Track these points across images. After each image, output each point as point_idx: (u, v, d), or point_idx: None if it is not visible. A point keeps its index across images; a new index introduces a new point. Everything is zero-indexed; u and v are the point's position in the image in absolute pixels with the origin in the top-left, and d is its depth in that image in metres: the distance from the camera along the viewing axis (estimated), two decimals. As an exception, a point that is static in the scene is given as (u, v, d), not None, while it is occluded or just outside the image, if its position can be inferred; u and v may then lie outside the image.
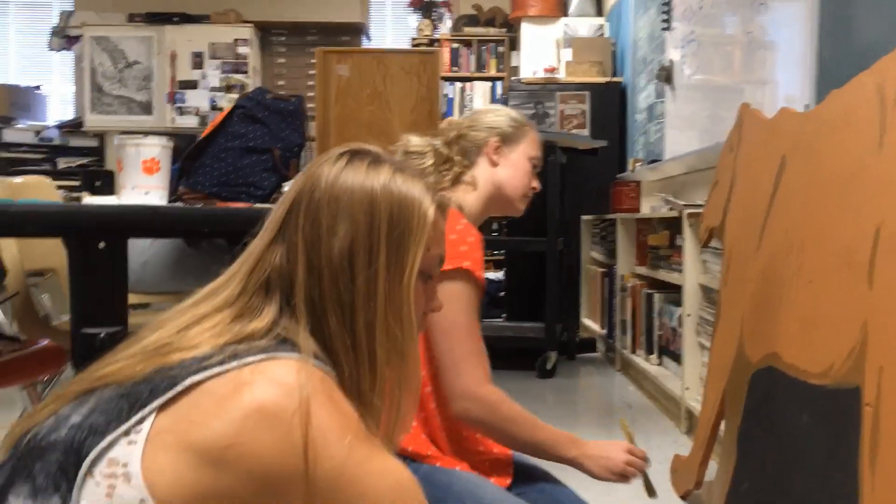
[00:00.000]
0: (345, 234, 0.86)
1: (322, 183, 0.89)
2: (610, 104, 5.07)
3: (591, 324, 4.82)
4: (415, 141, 1.68)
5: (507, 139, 1.69)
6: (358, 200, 0.88)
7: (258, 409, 0.75)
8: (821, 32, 2.23)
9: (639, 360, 3.60)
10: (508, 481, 1.57)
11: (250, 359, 0.79)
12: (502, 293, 4.84)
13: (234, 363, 0.79)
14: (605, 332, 4.43)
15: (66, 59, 6.53)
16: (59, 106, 6.71)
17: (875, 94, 1.27)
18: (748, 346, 1.74)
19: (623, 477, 1.51)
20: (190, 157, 2.33)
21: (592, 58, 5.23)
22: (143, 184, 1.30)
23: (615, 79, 5.18)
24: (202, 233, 1.22)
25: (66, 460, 0.76)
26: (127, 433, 0.76)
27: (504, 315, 4.73)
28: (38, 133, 6.18)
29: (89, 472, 0.75)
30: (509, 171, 1.69)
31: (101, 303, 1.22)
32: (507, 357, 3.57)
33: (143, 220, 1.20)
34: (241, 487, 0.75)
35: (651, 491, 1.63)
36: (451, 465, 1.50)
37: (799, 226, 1.53)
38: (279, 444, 0.75)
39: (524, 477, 1.63)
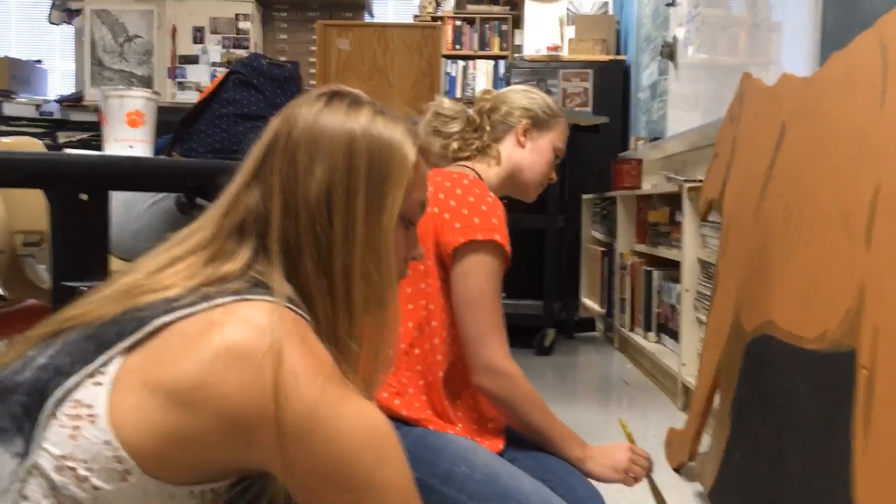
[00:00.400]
0: (322, 174, 0.84)
1: (300, 123, 0.87)
2: (613, 82, 5.03)
3: (592, 304, 4.79)
4: (447, 104, 1.68)
5: (539, 124, 1.69)
6: (337, 141, 0.85)
7: (228, 350, 0.73)
8: (825, 10, 2.19)
9: (637, 337, 3.58)
10: (501, 446, 1.56)
11: (221, 300, 0.77)
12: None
13: (205, 304, 0.77)
14: (604, 311, 4.41)
15: (67, 32, 6.49)
16: (59, 80, 6.68)
17: (877, 51, 1.24)
18: (744, 315, 1.72)
19: (627, 476, 1.50)
20: (184, 123, 2.30)
21: (596, 35, 5.18)
22: (127, 137, 1.27)
23: (619, 57, 5.13)
24: (187, 187, 1.19)
25: (30, 401, 0.74)
26: (92, 375, 0.74)
27: (504, 294, 4.70)
28: (38, 107, 6.15)
29: (53, 413, 0.73)
30: (533, 157, 1.70)
31: (82, 256, 1.19)
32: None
33: (124, 171, 1.17)
34: (209, 429, 0.73)
35: (660, 500, 1.60)
36: (444, 429, 1.48)
37: (797, 191, 1.50)
38: (249, 386, 0.73)
39: (517, 443, 1.62)
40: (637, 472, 1.52)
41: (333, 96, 0.90)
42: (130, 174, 1.20)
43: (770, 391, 1.48)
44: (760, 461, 1.47)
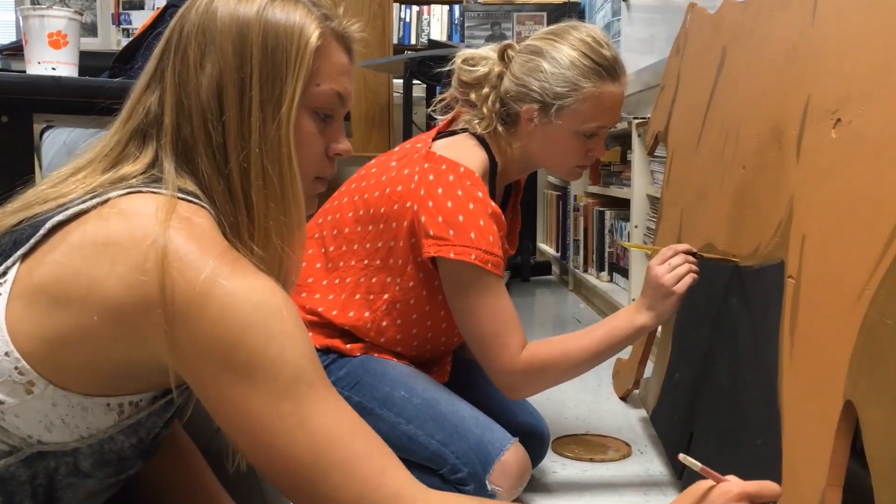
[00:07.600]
0: (212, 69, 0.80)
1: (192, 16, 0.82)
2: (567, 26, 4.98)
3: (548, 248, 4.82)
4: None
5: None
6: (227, 31, 0.80)
7: (108, 242, 0.71)
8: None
9: (590, 278, 3.61)
10: (446, 377, 1.57)
11: (112, 195, 0.75)
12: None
13: (96, 200, 0.74)
14: (559, 254, 4.44)
15: (6, -22, 6.25)
16: (1, 29, 6.44)
17: (810, -35, 1.23)
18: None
19: (681, 282, 1.35)
20: (120, 59, 2.24)
21: (550, -23, 5.11)
22: (49, 58, 1.22)
23: (573, -1, 5.08)
24: (115, 108, 1.16)
25: None
26: None
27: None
28: (-23, 56, 5.94)
29: None
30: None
31: (6, 180, 1.16)
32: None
33: (45, 91, 1.13)
34: (95, 326, 0.70)
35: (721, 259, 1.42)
36: (388, 357, 1.49)
37: (734, 113, 1.51)
38: (131, 276, 0.70)
39: (463, 374, 1.63)
40: (679, 271, 1.36)
41: None
42: (52, 94, 1.16)
43: (706, 311, 1.50)
44: (698, 379, 1.50)
